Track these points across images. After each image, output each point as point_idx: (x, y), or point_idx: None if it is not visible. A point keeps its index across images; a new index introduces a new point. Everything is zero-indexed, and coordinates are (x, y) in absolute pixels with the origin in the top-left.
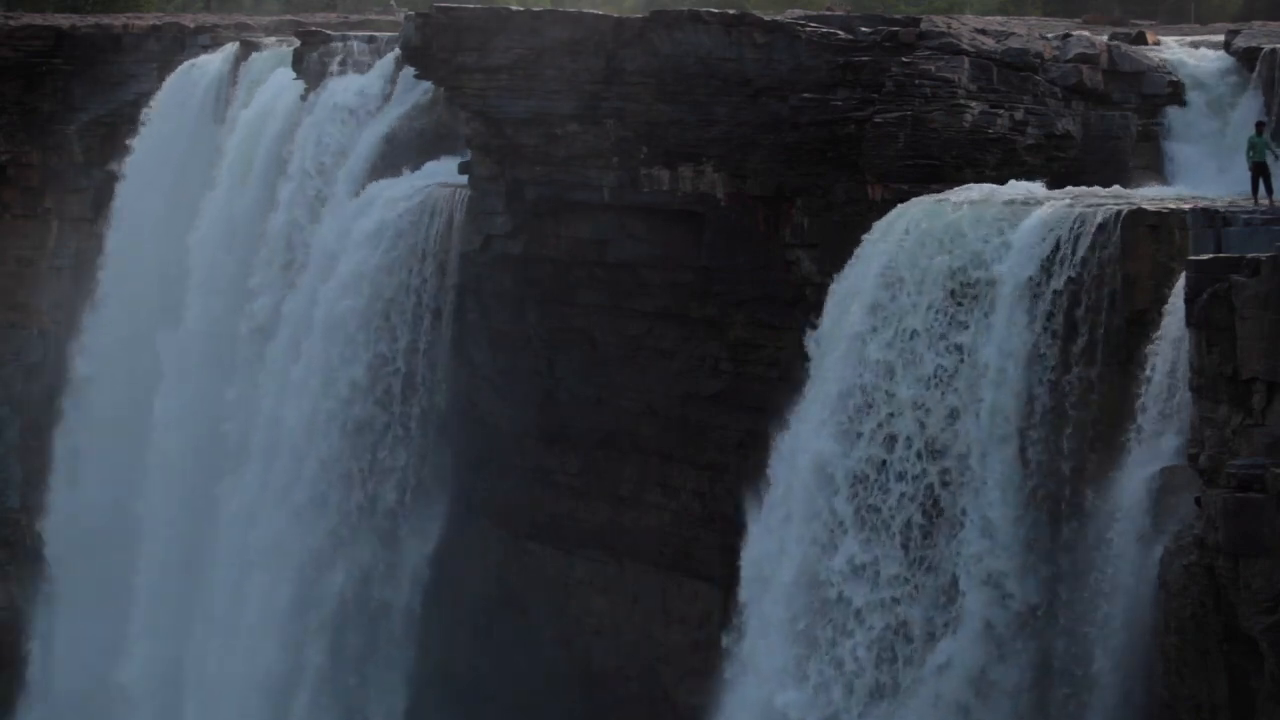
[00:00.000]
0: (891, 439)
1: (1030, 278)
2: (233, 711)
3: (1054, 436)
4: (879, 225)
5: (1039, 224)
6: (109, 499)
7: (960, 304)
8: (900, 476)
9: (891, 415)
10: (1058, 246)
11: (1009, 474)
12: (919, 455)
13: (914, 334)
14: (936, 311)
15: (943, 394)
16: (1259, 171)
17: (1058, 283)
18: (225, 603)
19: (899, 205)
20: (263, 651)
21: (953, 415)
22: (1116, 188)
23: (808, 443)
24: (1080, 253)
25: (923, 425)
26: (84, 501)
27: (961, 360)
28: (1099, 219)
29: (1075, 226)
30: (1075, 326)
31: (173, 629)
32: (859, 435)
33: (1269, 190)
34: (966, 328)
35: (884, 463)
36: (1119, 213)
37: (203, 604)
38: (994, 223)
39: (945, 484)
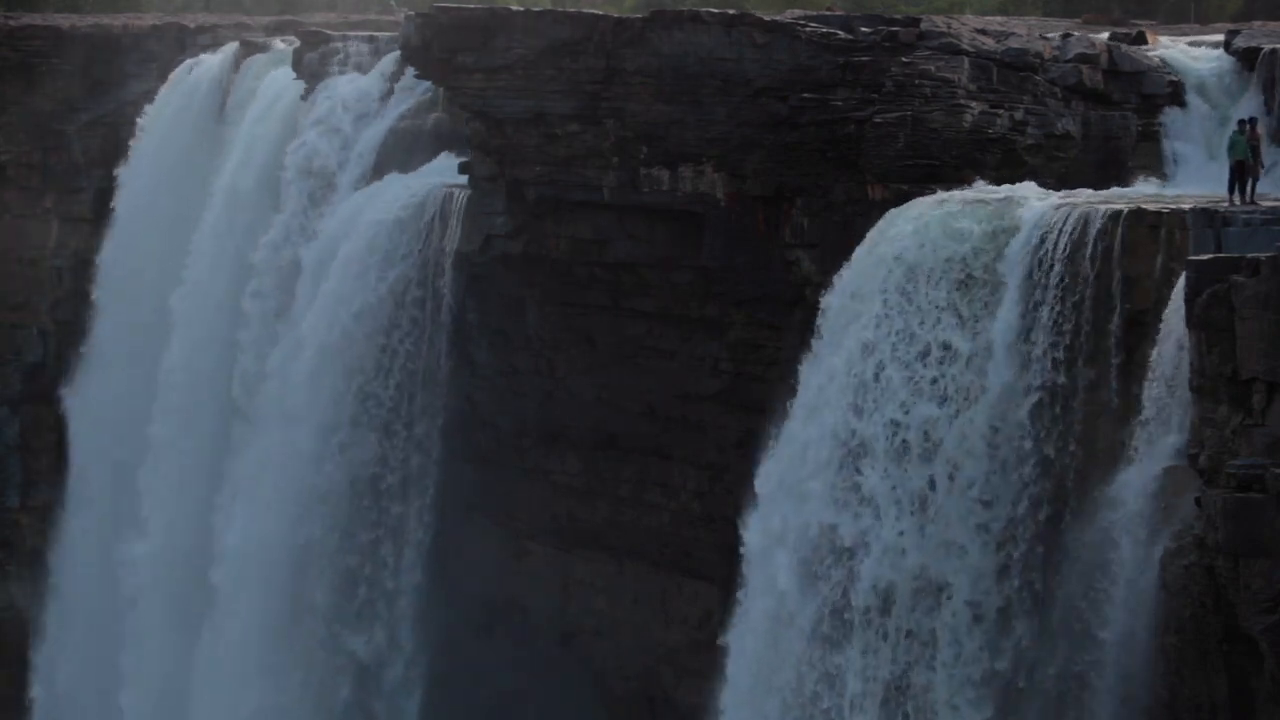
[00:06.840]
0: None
1: (1030, 278)
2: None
3: (1054, 436)
4: (876, 228)
5: (1039, 224)
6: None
7: (960, 305)
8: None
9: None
10: (1058, 247)
11: (1008, 474)
12: (918, 455)
13: (913, 335)
14: (936, 311)
15: (942, 394)
16: (1239, 170)
17: (1058, 283)
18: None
19: (894, 209)
20: (259, 649)
21: (952, 416)
22: (1116, 188)
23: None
24: (1080, 253)
25: (923, 425)
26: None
27: (961, 361)
28: (1099, 219)
29: (1075, 227)
30: (1075, 326)
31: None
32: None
33: (1242, 189)
34: (966, 329)
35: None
36: (1119, 213)
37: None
38: (994, 223)
39: (944, 482)
